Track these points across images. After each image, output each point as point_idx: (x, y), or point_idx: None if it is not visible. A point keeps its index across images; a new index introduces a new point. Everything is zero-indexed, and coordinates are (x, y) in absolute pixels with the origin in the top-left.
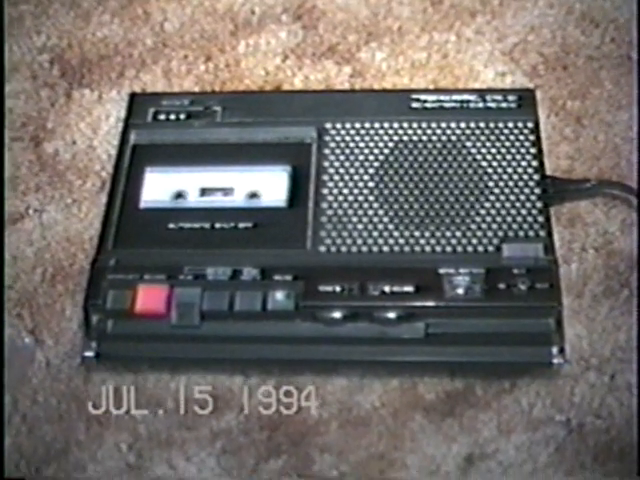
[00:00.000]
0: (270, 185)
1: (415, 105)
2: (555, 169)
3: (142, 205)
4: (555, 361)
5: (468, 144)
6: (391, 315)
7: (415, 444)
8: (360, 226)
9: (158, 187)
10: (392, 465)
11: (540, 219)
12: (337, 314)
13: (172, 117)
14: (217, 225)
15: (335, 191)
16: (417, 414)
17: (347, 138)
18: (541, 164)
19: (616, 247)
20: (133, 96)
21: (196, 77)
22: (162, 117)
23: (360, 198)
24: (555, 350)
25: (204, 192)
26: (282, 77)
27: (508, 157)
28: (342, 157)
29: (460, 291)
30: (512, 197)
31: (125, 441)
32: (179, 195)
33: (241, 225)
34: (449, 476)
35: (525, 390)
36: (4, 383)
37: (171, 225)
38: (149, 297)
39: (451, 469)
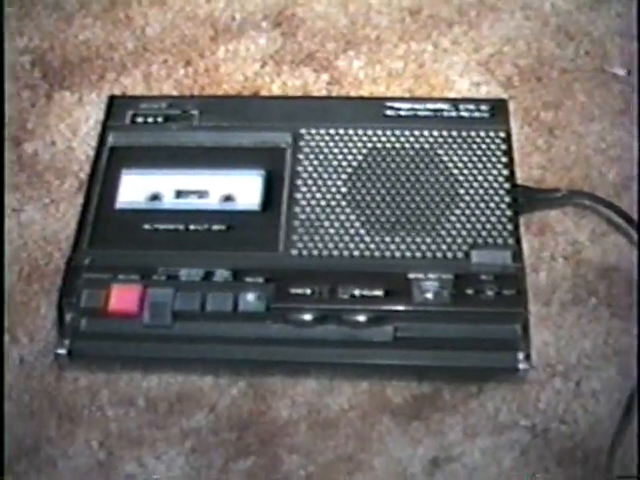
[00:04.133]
0: (244, 189)
1: (389, 113)
2: (527, 179)
3: (118, 206)
4: (521, 367)
5: (440, 152)
6: (360, 318)
7: (382, 446)
8: (332, 230)
9: (134, 188)
10: (359, 467)
11: (509, 227)
12: (307, 316)
13: (150, 120)
14: (191, 227)
15: (308, 195)
16: (385, 417)
17: (321, 144)
18: (512, 173)
19: (585, 256)
20: (112, 99)
21: (175, 81)
22: (140, 120)
23: (332, 203)
24: (521, 356)
25: (179, 194)
26: (260, 83)
27: (479, 165)
28: (316, 162)
29: (428, 296)
30: (482, 205)
31: (96, 438)
32: (155, 197)
33: (215, 227)
34: (415, 478)
35: (491, 395)
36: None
37: (146, 226)
38: (122, 296)
39: (417, 471)
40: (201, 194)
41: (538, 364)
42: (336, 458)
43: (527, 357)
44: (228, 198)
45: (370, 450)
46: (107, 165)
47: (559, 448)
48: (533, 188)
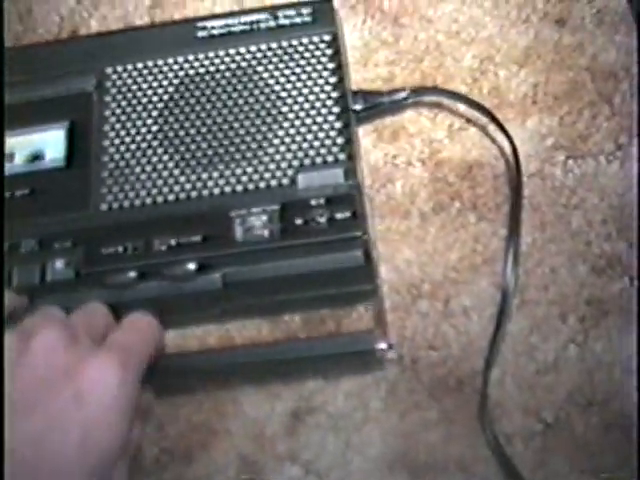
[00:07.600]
0: (49, 145)
1: (201, 34)
2: (374, 78)
3: None
4: (369, 295)
5: (259, 69)
6: (182, 270)
7: (237, 408)
8: (143, 176)
9: None
10: (215, 435)
11: (339, 141)
12: (123, 277)
13: None
14: None
15: (117, 141)
16: None
17: (129, 81)
18: (341, 79)
19: (444, 156)
20: None
21: None
22: None
23: (143, 145)
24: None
25: None
26: (78, 20)
27: (303, 77)
28: (124, 103)
29: (254, 233)
30: (308, 121)
31: None
32: None
33: (18, 193)
34: (275, 438)
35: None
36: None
37: None
38: None
39: (277, 430)
40: (7, 158)
41: (401, 287)
42: (190, 428)
43: (374, 283)
44: (35, 158)
45: (225, 414)
46: None
47: (430, 378)
48: (373, 92)
